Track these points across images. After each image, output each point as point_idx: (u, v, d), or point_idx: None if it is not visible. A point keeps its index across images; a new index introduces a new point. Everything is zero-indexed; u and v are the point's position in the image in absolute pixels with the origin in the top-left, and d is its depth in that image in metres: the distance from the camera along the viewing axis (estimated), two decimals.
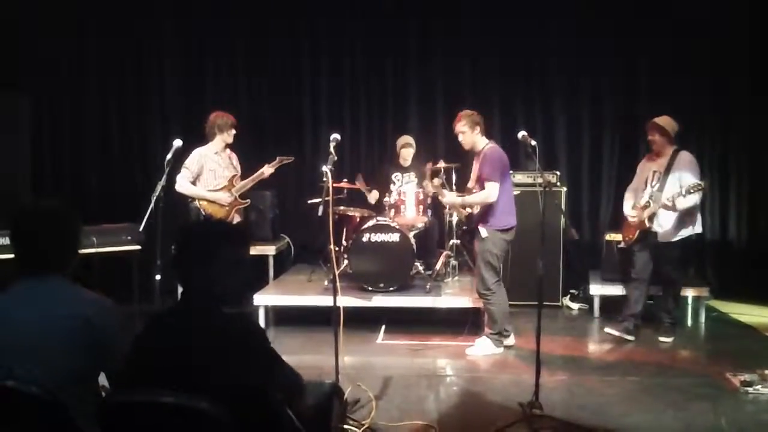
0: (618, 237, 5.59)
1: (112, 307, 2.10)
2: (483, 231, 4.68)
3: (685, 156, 4.99)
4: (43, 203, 2.18)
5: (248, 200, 5.42)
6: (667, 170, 4.95)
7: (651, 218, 4.96)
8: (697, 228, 5.09)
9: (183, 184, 5.09)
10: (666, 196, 4.85)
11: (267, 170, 5.28)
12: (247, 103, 7.20)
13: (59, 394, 1.80)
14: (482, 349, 4.87)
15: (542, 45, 6.91)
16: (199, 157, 5.14)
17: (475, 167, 4.78)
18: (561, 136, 7.03)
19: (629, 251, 5.28)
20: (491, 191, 4.57)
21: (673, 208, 4.83)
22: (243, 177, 5.34)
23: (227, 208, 5.17)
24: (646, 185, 5.09)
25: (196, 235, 2.01)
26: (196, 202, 5.14)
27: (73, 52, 6.91)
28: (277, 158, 5.32)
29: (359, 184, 6.25)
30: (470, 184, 4.80)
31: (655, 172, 5.05)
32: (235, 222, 5.17)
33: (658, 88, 6.74)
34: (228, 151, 5.33)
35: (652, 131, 5.04)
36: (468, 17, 6.92)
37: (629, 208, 5.20)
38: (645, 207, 5.00)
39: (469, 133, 4.68)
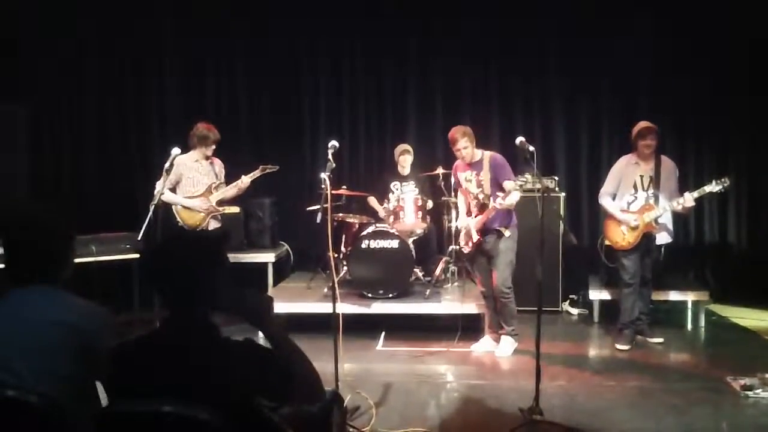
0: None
1: (101, 311, 2.08)
2: (507, 231, 4.81)
3: (668, 161, 5.09)
4: (34, 213, 2.16)
5: (224, 208, 5.33)
6: (657, 174, 4.99)
7: (656, 221, 4.96)
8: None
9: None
10: (664, 200, 4.90)
11: (246, 180, 5.23)
12: (247, 107, 7.21)
13: (55, 403, 1.80)
14: (508, 348, 4.98)
15: (542, 46, 6.93)
16: (177, 165, 5.14)
17: (485, 174, 4.79)
18: (560, 141, 7.04)
19: (621, 256, 5.12)
20: (517, 192, 4.63)
21: (688, 207, 4.88)
22: (227, 184, 5.32)
23: (203, 214, 5.17)
24: (636, 190, 5.04)
25: (190, 260, 1.88)
26: (173, 208, 5.14)
27: (74, 56, 6.91)
28: (259, 167, 5.26)
29: (374, 206, 6.33)
30: (486, 190, 4.77)
31: (642, 176, 5.03)
32: (211, 227, 5.17)
33: (657, 89, 6.76)
34: (210, 158, 5.30)
35: (653, 136, 4.97)
36: (468, 17, 6.92)
37: (620, 212, 5.07)
38: (646, 209, 4.95)
39: (471, 147, 4.81)
